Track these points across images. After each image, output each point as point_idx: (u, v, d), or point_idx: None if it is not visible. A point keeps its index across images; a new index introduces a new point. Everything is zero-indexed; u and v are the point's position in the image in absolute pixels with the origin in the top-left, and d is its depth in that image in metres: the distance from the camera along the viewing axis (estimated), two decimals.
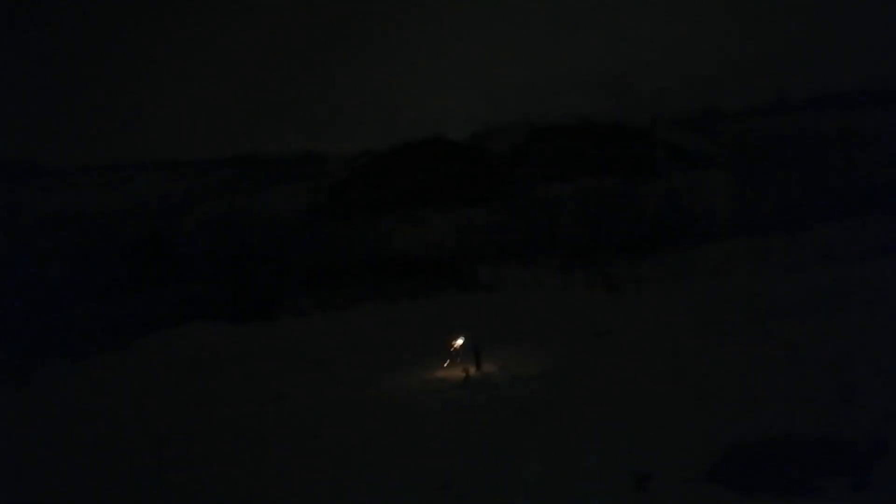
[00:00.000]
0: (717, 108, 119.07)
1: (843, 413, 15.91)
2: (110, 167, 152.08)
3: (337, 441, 18.33)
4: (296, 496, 15.10)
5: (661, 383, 20.33)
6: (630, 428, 16.74)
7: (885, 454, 13.32)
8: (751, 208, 69.85)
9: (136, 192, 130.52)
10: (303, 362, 30.66)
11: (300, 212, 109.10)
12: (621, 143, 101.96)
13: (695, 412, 17.22)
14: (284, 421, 21.00)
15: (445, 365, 25.68)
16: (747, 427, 15.65)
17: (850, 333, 23.32)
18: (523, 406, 19.61)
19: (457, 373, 24.80)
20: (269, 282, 75.07)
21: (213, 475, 17.13)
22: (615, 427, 16.98)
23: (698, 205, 74.40)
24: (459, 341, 25.82)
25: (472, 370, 24.65)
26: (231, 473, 17.07)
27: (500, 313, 38.99)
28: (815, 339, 23.17)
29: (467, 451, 16.36)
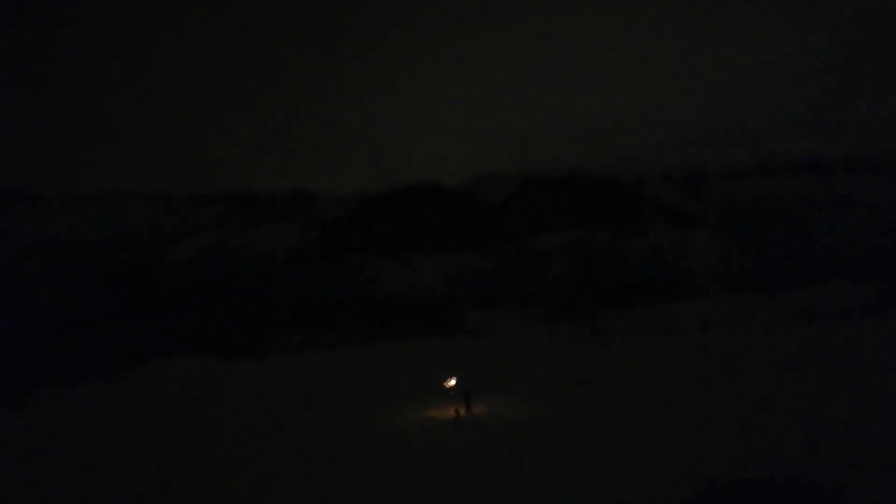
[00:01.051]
0: (703, 169, 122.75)
1: (809, 460, 17.23)
2: (100, 197, 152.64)
3: (335, 472, 19.26)
4: None
5: (641, 428, 21.53)
6: (611, 468, 17.88)
7: (843, 497, 14.62)
8: (733, 268, 72.00)
9: (125, 223, 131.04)
10: (296, 398, 31.54)
11: (291, 250, 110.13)
12: (610, 197, 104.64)
13: (673, 455, 18.42)
14: (284, 452, 21.88)
15: (439, 405, 26.71)
16: (721, 468, 16.89)
17: (820, 389, 24.76)
18: (511, 445, 20.71)
19: (448, 413, 25.84)
20: (258, 318, 75.71)
21: (210, 502, 17.90)
22: (597, 466, 18.10)
23: (682, 262, 76.49)
24: (452, 383, 26.91)
25: (463, 411, 25.71)
26: (230, 499, 17.86)
27: (487, 359, 40.16)
28: (788, 393, 24.58)
29: (458, 484, 17.42)
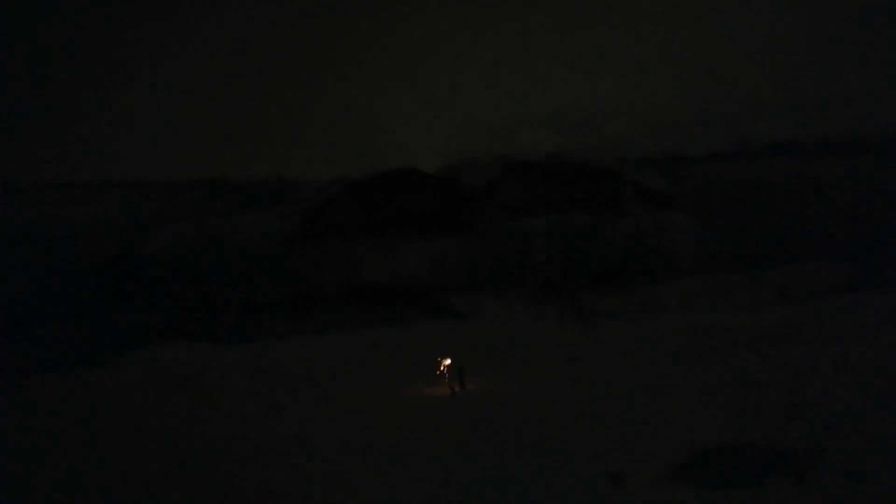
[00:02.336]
0: (681, 153, 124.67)
1: (788, 427, 18.47)
2: (75, 185, 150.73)
3: (339, 449, 20.12)
4: (308, 492, 16.86)
5: (630, 401, 22.69)
6: (604, 437, 18.98)
7: (820, 460, 15.85)
8: (712, 249, 73.79)
9: (101, 211, 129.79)
10: (291, 380, 32.27)
11: (272, 237, 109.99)
12: (590, 181, 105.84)
13: (663, 424, 19.57)
14: (285, 431, 22.67)
15: (433, 383, 27.66)
16: (708, 437, 18.06)
17: (798, 363, 26.11)
18: (508, 419, 21.74)
19: (443, 390, 26.82)
20: (242, 306, 75.97)
21: (218, 480, 18.63)
22: (591, 436, 19.18)
23: (663, 243, 78.12)
24: (447, 362, 27.85)
25: (458, 388, 26.70)
26: (236, 477, 18.60)
27: (476, 340, 41.15)
28: (768, 366, 25.90)
29: (461, 456, 18.39)
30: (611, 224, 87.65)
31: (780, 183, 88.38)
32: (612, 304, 54.40)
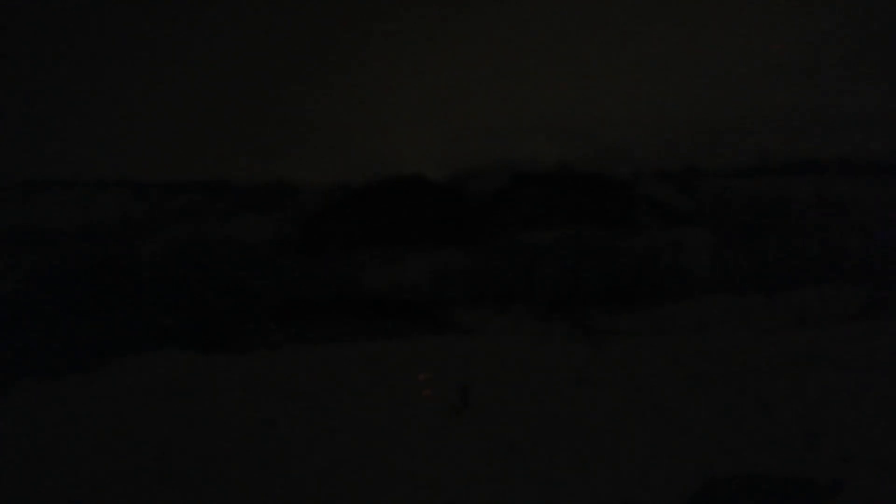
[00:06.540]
0: (698, 167, 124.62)
1: (806, 457, 18.37)
2: (68, 184, 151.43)
3: (335, 464, 20.06)
4: None
5: (640, 426, 22.59)
6: (616, 464, 18.90)
7: (840, 491, 15.74)
8: (728, 267, 73.67)
9: (95, 212, 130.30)
10: (285, 394, 32.18)
11: (270, 242, 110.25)
12: (603, 193, 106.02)
13: (675, 451, 19.49)
14: (279, 447, 22.60)
15: (433, 402, 27.61)
16: (723, 465, 17.97)
17: (817, 390, 26.00)
18: (512, 441, 21.65)
19: (443, 410, 26.74)
20: (237, 313, 75.99)
21: (208, 495, 18.59)
22: (601, 463, 19.11)
23: (677, 261, 78.03)
24: (450, 380, 27.80)
25: (460, 408, 26.62)
26: (226, 493, 18.57)
27: (480, 357, 41.03)
28: (786, 393, 25.79)
29: (464, 478, 18.33)
30: (623, 239, 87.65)
31: (799, 200, 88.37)
32: (624, 324, 54.30)
